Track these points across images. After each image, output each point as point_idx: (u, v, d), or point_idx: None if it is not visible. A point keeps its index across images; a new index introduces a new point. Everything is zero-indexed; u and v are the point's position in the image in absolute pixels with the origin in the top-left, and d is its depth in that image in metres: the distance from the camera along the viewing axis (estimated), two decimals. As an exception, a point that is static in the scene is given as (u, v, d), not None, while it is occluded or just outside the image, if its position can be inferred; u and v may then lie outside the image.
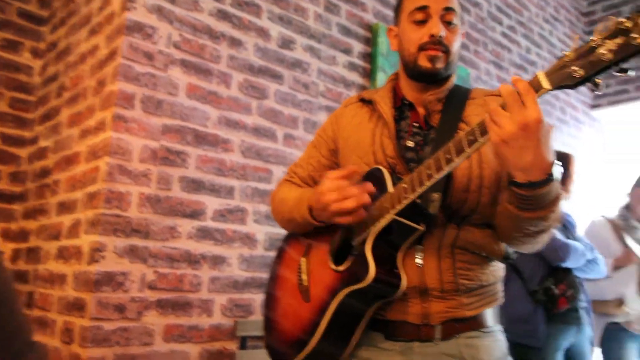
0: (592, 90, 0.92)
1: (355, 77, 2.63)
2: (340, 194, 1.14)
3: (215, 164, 2.10)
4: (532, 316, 2.64)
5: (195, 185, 2.03)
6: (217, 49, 2.15)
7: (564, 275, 2.69)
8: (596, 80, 0.91)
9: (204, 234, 2.04)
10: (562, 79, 0.93)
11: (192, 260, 2.00)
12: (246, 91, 2.22)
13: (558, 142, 4.02)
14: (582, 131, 4.39)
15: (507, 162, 1.01)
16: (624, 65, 0.88)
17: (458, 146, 1.06)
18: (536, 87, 0.95)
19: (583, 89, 4.49)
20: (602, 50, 0.88)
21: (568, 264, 2.67)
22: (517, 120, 0.95)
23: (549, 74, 0.94)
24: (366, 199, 1.13)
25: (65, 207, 2.08)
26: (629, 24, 0.85)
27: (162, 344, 1.87)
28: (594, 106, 4.55)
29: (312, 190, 1.34)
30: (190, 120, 2.04)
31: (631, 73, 0.89)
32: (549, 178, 1.00)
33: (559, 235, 2.70)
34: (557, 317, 2.66)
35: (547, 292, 2.63)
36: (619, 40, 0.86)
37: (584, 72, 0.90)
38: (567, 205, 2.98)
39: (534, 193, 1.02)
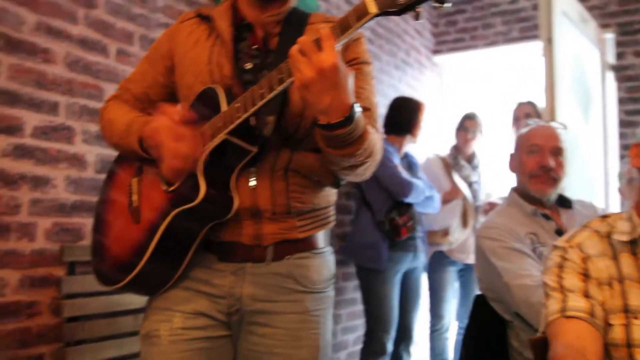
0: (415, 19, 0.96)
1: (199, -5, 2.47)
2: (175, 134, 1.10)
3: (34, 75, 1.86)
4: (378, 243, 2.90)
5: (8, 98, 1.79)
6: (34, -58, 1.85)
7: (407, 209, 2.97)
8: (417, 9, 0.96)
9: (23, 152, 1.83)
10: (388, 4, 0.96)
11: (9, 180, 1.78)
12: (71, -4, 1.97)
13: (402, 83, 4.23)
14: (424, 74, 4.66)
15: (309, 105, 1.05)
16: None
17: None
18: (363, 11, 0.98)
19: (427, 34, 4.73)
20: None
21: (410, 199, 2.95)
22: (314, 66, 0.98)
23: None
24: (200, 150, 1.12)
25: None
26: None
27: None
28: (436, 51, 4.84)
29: (143, 119, 1.27)
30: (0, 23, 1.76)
31: (447, 5, 0.96)
32: (347, 120, 1.04)
33: (405, 174, 2.96)
34: (398, 244, 2.94)
35: (391, 223, 2.90)
36: None
37: None
38: (412, 147, 3.20)
39: (334, 133, 1.06)
